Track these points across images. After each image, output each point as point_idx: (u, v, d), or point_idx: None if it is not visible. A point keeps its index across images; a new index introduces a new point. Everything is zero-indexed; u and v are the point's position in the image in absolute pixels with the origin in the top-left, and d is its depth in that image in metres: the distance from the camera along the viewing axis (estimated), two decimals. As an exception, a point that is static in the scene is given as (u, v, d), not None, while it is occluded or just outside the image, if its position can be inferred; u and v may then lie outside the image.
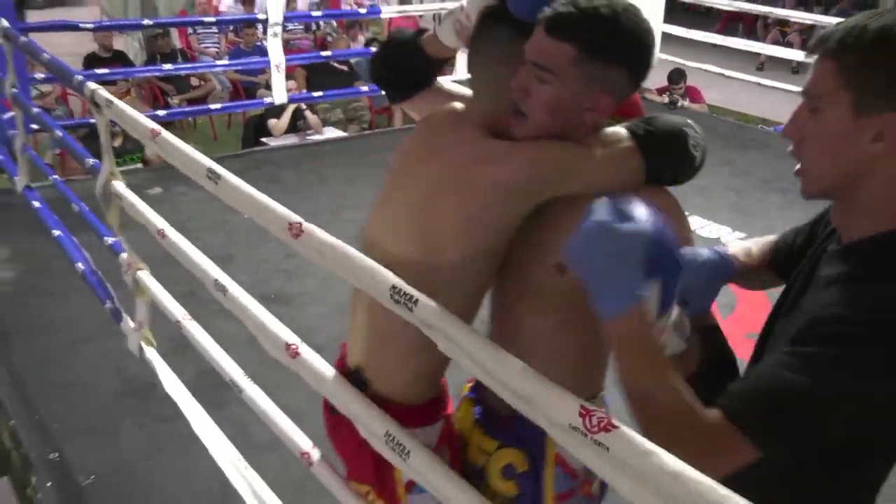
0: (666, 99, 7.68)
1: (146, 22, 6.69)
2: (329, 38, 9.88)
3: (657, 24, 7.31)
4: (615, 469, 0.96)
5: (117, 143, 5.84)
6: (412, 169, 1.49)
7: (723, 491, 0.86)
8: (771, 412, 1.07)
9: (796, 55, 7.82)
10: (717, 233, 4.88)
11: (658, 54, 7.41)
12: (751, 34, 12.17)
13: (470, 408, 1.65)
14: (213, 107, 7.04)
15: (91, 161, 2.99)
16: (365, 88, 7.25)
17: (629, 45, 1.34)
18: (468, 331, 1.17)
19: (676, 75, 7.68)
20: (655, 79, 7.99)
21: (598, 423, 0.97)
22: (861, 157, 1.13)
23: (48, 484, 2.63)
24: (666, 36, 7.42)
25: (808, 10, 12.18)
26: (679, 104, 7.64)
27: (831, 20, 8.75)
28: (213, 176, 1.85)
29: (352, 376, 1.57)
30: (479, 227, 1.37)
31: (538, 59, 1.32)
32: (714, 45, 7.81)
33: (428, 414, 1.56)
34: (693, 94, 7.92)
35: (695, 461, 0.92)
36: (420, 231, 1.40)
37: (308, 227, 1.54)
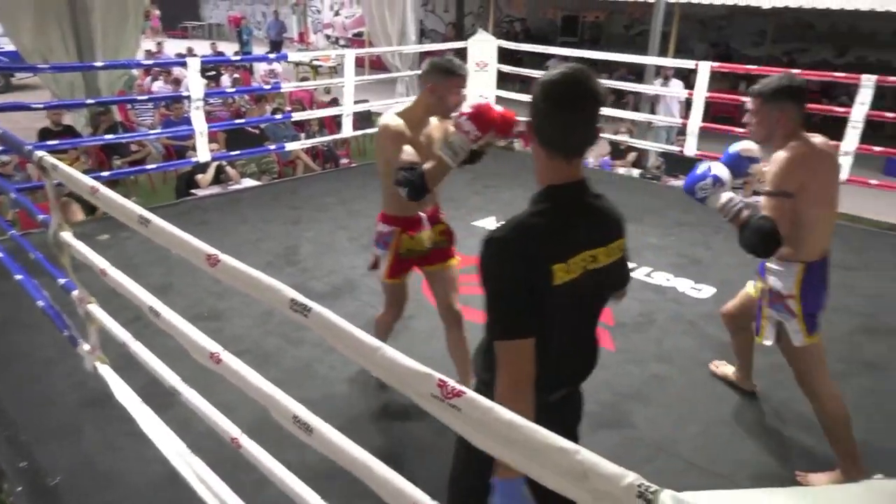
0: (503, 143, 7.85)
1: (88, 101, 6.28)
2: (243, 109, 9.61)
3: (491, 90, 7.49)
4: (467, 425, 0.95)
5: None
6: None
7: (545, 432, 0.87)
8: None
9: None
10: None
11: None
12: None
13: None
14: (149, 167, 6.69)
15: (41, 216, 2.77)
16: (272, 147, 7.08)
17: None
18: (348, 330, 1.14)
19: (509, 125, 7.86)
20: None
21: (452, 391, 0.97)
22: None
23: (19, 489, 2.40)
24: (500, 99, 7.60)
25: (610, 76, 12.75)
26: (515, 147, 7.82)
27: (615, 83, 9.19)
28: (144, 221, 1.75)
29: None
30: None
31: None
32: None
33: (391, 221, 2.71)
34: (524, 138, 8.11)
35: None
36: None
37: (223, 257, 1.48)
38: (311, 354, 3.33)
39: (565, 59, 13.10)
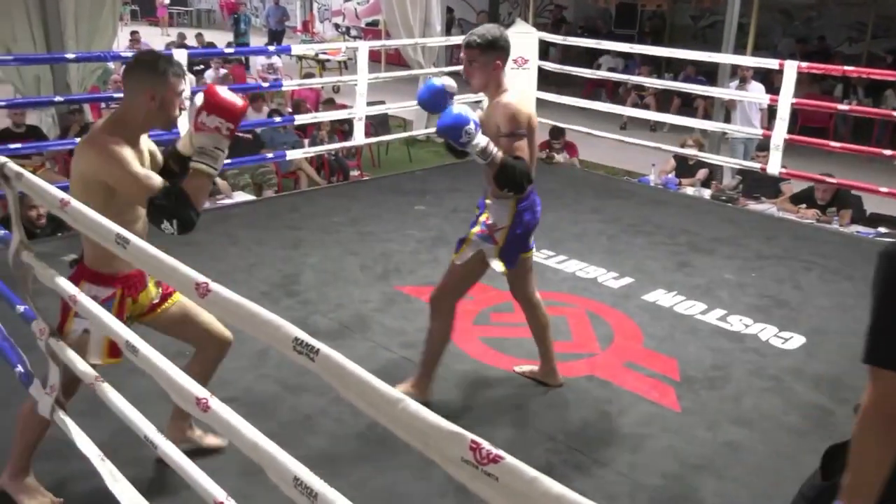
0: (544, 154, 7.88)
1: (57, 98, 6.46)
2: (236, 110, 9.79)
3: (531, 90, 7.55)
4: (505, 497, 0.95)
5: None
6: None
7: (602, 510, 0.86)
8: None
9: (653, 115, 8.18)
10: (594, 273, 4.88)
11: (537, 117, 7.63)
12: (613, 98, 12.71)
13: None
14: (125, 176, 6.85)
15: (1, 232, 2.84)
16: (270, 155, 7.18)
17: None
18: (364, 378, 1.15)
19: (556, 131, 7.91)
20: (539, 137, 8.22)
21: (487, 456, 0.96)
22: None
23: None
24: (540, 101, 7.65)
25: (660, 76, 12.81)
26: (555, 159, 7.84)
27: (681, 85, 9.22)
28: (122, 241, 1.79)
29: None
30: None
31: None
32: (582, 109, 7.98)
33: (106, 280, 2.46)
34: (570, 150, 8.16)
35: None
36: None
37: (214, 286, 1.50)
38: (314, 404, 3.34)
39: (622, 55, 13.21)
